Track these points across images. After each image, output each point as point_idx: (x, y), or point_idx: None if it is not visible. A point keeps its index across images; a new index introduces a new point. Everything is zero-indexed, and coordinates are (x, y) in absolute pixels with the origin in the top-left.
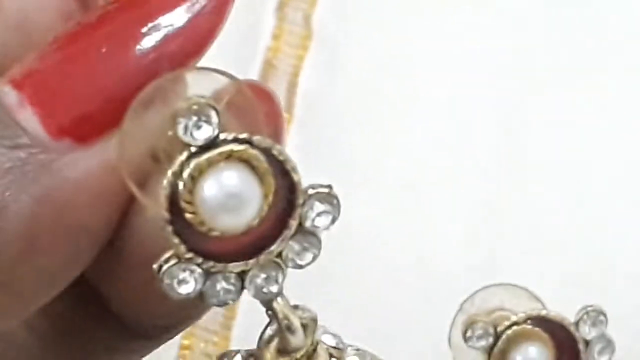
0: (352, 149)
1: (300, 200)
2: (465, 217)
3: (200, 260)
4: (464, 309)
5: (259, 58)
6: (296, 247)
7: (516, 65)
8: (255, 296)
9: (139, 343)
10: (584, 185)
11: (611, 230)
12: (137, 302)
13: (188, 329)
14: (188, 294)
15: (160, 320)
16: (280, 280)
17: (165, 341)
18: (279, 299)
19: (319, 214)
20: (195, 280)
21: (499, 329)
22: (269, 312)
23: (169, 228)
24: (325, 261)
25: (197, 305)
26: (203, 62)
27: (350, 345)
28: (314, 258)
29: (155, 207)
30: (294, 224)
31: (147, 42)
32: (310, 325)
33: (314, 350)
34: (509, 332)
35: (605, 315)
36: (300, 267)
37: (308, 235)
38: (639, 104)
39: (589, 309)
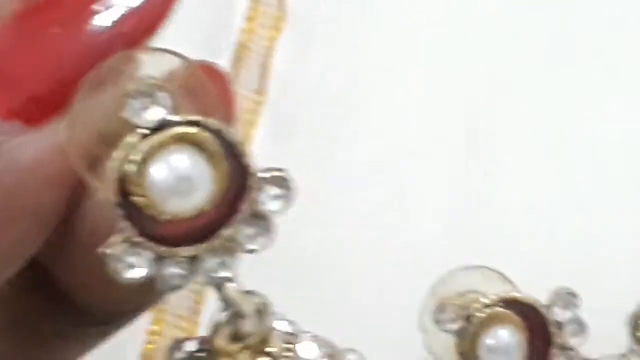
0: (324, 132)
1: (253, 184)
2: (437, 204)
3: (150, 244)
4: (435, 291)
5: (232, 39)
6: (249, 231)
7: (486, 62)
8: (206, 281)
9: (95, 329)
10: (552, 181)
11: (582, 219)
12: (91, 287)
13: (156, 314)
14: (137, 278)
15: (115, 305)
16: (232, 265)
17: (123, 327)
18: (230, 284)
19: (272, 198)
20: (145, 264)
21: (471, 311)
22: (221, 297)
23: (118, 212)
24: (290, 246)
25: (151, 290)
26: (175, 44)
27: (306, 332)
28: (267, 243)
29: (104, 190)
30: (246, 208)
31: (100, 22)
32: (263, 310)
33: (268, 335)
34: (480, 314)
35: (578, 297)
36: (253, 251)
37: (261, 220)
38: (605, 103)
39: (562, 291)
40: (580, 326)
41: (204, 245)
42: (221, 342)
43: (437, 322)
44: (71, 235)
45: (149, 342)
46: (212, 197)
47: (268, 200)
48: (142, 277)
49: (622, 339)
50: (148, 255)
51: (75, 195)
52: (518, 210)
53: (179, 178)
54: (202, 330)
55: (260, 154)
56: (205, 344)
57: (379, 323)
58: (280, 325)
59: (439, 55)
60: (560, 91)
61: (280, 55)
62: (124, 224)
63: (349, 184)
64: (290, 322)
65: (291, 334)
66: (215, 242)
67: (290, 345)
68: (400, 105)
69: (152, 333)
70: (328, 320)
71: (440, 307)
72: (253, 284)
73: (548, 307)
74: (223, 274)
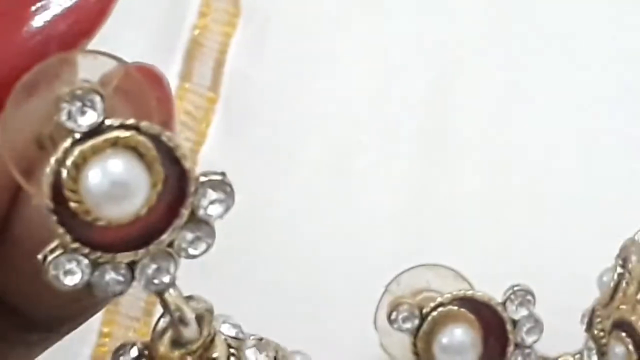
0: (278, 129)
1: (192, 189)
2: (390, 198)
3: (86, 250)
4: (389, 290)
5: (186, 36)
6: (189, 236)
7: (445, 44)
8: (146, 287)
9: (37, 335)
10: (507, 168)
11: (537, 207)
12: (30, 293)
13: (107, 316)
14: (74, 285)
15: (55, 311)
16: (172, 270)
17: (67, 333)
18: (171, 290)
19: (212, 202)
20: (82, 271)
21: (425, 310)
22: (162, 303)
23: (54, 217)
24: (246, 242)
25: (89, 296)
26: (128, 41)
27: (252, 335)
28: (208, 247)
29: (40, 195)
30: (185, 212)
31: (35, 23)
32: (206, 316)
33: (211, 341)
34: (434, 313)
35: (533, 294)
36: (194, 257)
37: (201, 224)
38: (563, 87)
39: (516, 288)
40: (535, 324)
41: (142, 251)
42: (163, 348)
43: (392, 321)
44: (10, 241)
45: (100, 345)
46: (149, 202)
47: (208, 205)
48: (79, 284)
49: (578, 336)
50: (85, 261)
51: (13, 199)
52: (471, 205)
53: (114, 183)
54: None
55: (215, 151)
56: (149, 349)
57: (333, 323)
58: (225, 329)
59: (393, 48)
60: (516, 84)
61: (235, 52)
62: (60, 230)
63: (301, 182)
64: (235, 326)
65: (236, 338)
66: (154, 247)
67: (235, 351)
68: (354, 98)
69: (104, 335)
70: (281, 321)
71: (395, 306)
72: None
73: (503, 305)
74: (163, 279)
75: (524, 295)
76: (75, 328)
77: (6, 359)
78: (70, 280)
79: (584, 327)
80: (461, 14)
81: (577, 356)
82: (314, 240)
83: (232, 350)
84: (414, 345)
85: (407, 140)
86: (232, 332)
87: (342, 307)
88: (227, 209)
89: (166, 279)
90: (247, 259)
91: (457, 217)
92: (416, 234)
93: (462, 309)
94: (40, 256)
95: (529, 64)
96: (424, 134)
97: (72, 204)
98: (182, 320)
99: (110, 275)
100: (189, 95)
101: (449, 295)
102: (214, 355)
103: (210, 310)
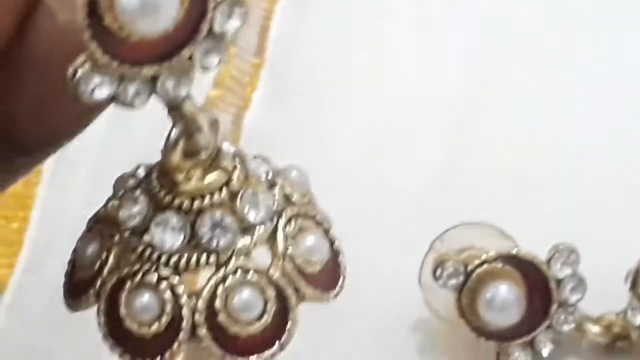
0: (322, 95)
1: (212, 5)
2: (423, 172)
3: (115, 64)
4: (434, 247)
5: None
6: (204, 49)
7: (484, 27)
8: (165, 98)
9: (21, 159)
10: (547, 135)
11: (583, 173)
12: (29, 113)
13: None
14: (101, 98)
15: (47, 133)
16: (189, 83)
17: (44, 158)
18: (187, 101)
19: (228, 18)
20: (110, 84)
21: (470, 267)
22: (174, 113)
23: (88, 33)
24: None
25: (87, 115)
26: None
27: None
28: (219, 62)
29: (66, 12)
30: (205, 27)
31: None
32: (214, 126)
33: (218, 152)
34: (479, 270)
35: (577, 253)
36: (207, 69)
37: (217, 39)
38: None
39: (561, 247)
40: (579, 282)
41: (164, 65)
42: (177, 158)
43: (437, 278)
44: (13, 63)
45: None
46: (177, 18)
47: (224, 20)
48: (105, 98)
49: (622, 296)
50: (112, 75)
51: (21, 21)
52: (515, 164)
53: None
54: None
55: (259, 116)
56: (158, 166)
57: (375, 283)
58: (227, 147)
59: (435, 26)
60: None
61: (279, 17)
62: (92, 45)
63: (345, 144)
64: (233, 145)
65: (238, 154)
66: (175, 61)
67: (240, 163)
68: (396, 69)
69: None
70: None
71: (440, 263)
72: None
73: (547, 263)
74: (180, 91)
75: (568, 254)
76: (59, 148)
77: None
78: (99, 95)
79: (628, 286)
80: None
81: (621, 315)
82: (350, 204)
83: (236, 162)
84: (458, 301)
85: (441, 118)
86: (232, 150)
87: (383, 268)
88: (241, 24)
89: (184, 91)
90: None
91: (501, 180)
92: (456, 196)
93: (507, 267)
94: (69, 71)
95: (562, 51)
96: (459, 113)
97: (107, 20)
98: (198, 129)
99: (134, 89)
100: (234, 60)
101: (493, 253)
102: (223, 164)
103: (217, 121)
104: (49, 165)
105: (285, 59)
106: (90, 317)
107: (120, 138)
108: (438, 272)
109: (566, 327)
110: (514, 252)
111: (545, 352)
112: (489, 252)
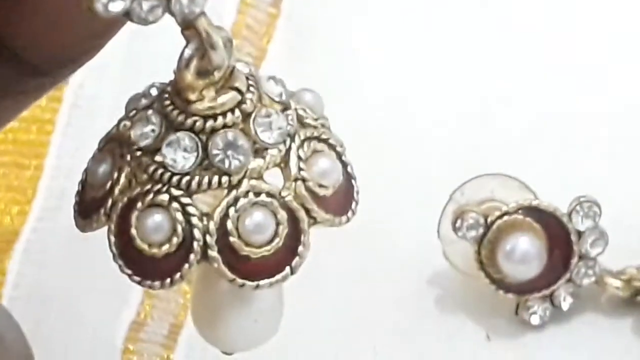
0: (338, 46)
1: None
2: (448, 105)
3: None
4: (453, 199)
5: None
6: None
7: None
8: (179, 15)
9: (33, 82)
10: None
11: (604, 124)
12: (39, 34)
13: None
14: (115, 11)
15: (60, 52)
16: (203, 1)
17: (61, 80)
18: (203, 17)
19: None
20: None
21: (490, 219)
22: (188, 31)
23: None
24: None
25: (100, 34)
26: None
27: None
28: None
29: None
30: None
31: None
32: (227, 44)
33: (232, 72)
34: (499, 222)
35: (599, 206)
36: None
37: None
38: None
39: (582, 199)
40: (601, 236)
41: None
42: (190, 77)
43: (456, 229)
44: None
45: None
46: None
47: None
48: (121, 11)
49: None
50: None
51: None
52: (535, 116)
53: None
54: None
55: (275, 66)
56: (170, 86)
57: (394, 235)
58: (241, 67)
59: None
60: None
61: None
62: None
63: (365, 95)
64: (248, 64)
65: (252, 74)
66: None
67: (253, 83)
68: (415, 16)
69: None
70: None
71: (460, 214)
72: None
73: (569, 215)
74: (195, 8)
75: (590, 207)
76: (72, 73)
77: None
78: (113, 8)
79: None
80: None
81: None
82: (373, 154)
83: (250, 82)
84: (478, 253)
85: (466, 69)
86: (246, 70)
87: (404, 216)
88: None
89: (198, 7)
90: None
91: (521, 131)
92: (477, 147)
93: (528, 218)
94: None
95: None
96: (486, 64)
97: None
98: (212, 45)
99: (149, 3)
100: (250, 10)
101: (514, 204)
102: (236, 84)
103: (231, 41)
104: (64, 113)
105: (302, 9)
106: (104, 262)
107: (136, 85)
108: (458, 223)
109: (586, 281)
110: (535, 203)
111: (564, 305)
112: (509, 204)
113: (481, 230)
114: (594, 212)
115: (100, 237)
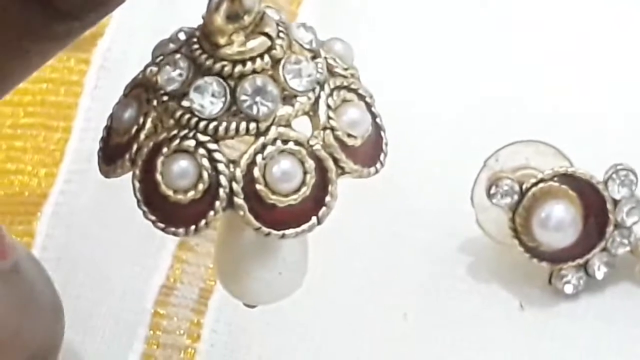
0: (368, 11)
1: None
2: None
3: None
4: (488, 165)
5: None
6: None
7: None
8: None
9: (63, 26)
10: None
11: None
12: None
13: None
14: None
15: None
16: None
17: (92, 24)
18: None
19: None
20: None
21: (525, 186)
22: None
23: None
24: None
25: None
26: None
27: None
28: None
29: None
30: None
31: None
32: None
33: (262, 17)
34: (534, 189)
35: (636, 174)
36: None
37: None
38: None
39: (619, 167)
40: (637, 205)
41: None
42: (220, 20)
43: (491, 196)
44: None
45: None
46: None
47: None
48: None
49: None
50: None
51: None
52: (571, 84)
53: None
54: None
55: None
56: (200, 30)
57: (427, 201)
58: (271, 13)
59: None
60: None
61: None
62: None
63: (393, 57)
64: (278, 12)
65: (282, 20)
66: None
67: (284, 29)
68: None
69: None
70: (374, 194)
71: (494, 181)
72: None
73: (605, 183)
74: None
75: (626, 175)
76: (101, 17)
77: (29, 55)
78: None
79: None
80: None
81: None
82: (402, 118)
83: (280, 29)
84: (512, 221)
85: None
86: (277, 16)
87: (436, 182)
88: None
89: None
90: None
91: (557, 99)
92: (512, 115)
93: (563, 186)
94: None
95: None
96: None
97: None
98: None
99: None
100: None
101: (550, 172)
102: (266, 30)
103: None
104: (92, 75)
105: None
106: (132, 225)
107: None
108: (492, 190)
109: (621, 250)
110: (570, 171)
111: (599, 275)
112: (544, 171)
113: (516, 198)
114: (630, 181)
115: (129, 200)
